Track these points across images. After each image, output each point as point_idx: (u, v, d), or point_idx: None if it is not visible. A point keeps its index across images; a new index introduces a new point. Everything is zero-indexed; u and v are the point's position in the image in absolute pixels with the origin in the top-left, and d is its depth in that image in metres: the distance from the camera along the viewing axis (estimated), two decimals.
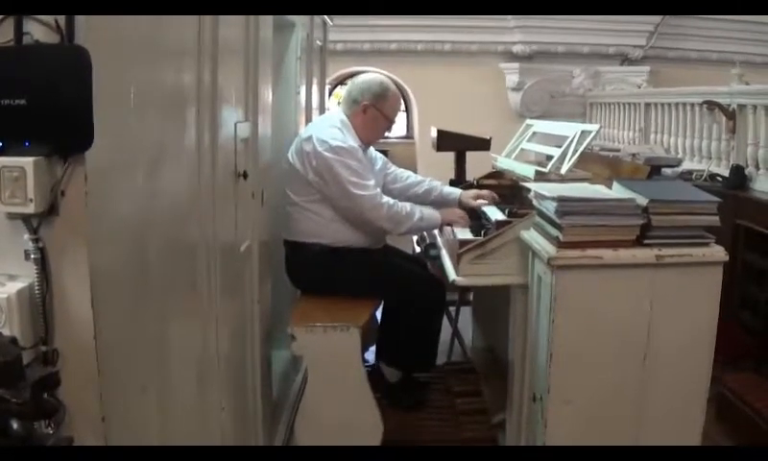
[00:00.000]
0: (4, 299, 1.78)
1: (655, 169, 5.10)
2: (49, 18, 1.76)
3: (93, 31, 1.79)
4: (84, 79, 1.74)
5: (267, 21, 3.91)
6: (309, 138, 4.55)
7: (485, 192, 5.14)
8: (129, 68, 2.06)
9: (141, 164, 2.19)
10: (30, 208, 1.75)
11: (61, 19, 1.76)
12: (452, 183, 6.77)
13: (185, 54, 2.61)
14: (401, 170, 5.28)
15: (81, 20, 1.76)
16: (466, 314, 6.35)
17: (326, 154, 4.47)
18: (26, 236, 1.81)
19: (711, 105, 6.69)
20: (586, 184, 4.13)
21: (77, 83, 1.73)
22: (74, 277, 1.83)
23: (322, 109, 6.41)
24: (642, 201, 3.59)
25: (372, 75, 5.13)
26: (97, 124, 1.76)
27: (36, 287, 1.82)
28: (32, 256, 1.81)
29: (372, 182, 4.60)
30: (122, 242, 2.07)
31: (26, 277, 1.83)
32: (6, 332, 1.76)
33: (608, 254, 3.54)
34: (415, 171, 9.89)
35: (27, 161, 1.73)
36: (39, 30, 1.77)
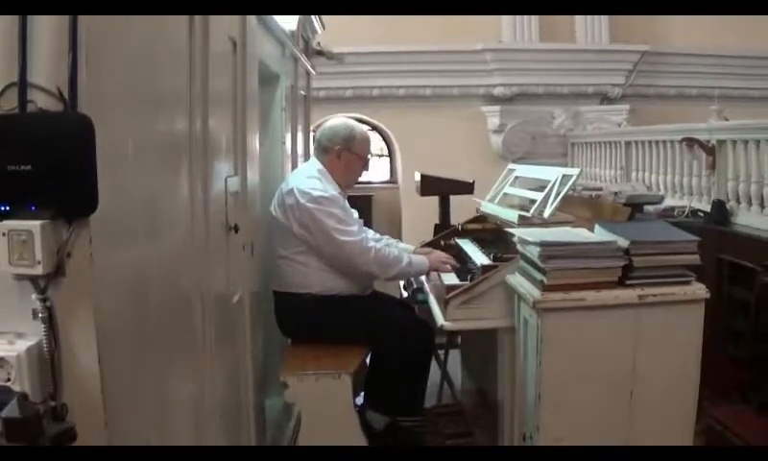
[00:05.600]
0: (14, 356, 1.83)
1: (637, 207, 5.17)
2: (52, 86, 1.82)
3: (93, 94, 1.86)
4: (88, 146, 1.80)
5: (253, 71, 3.98)
6: (291, 192, 4.61)
7: (441, 254, 5.14)
8: (127, 126, 2.14)
9: (140, 221, 2.26)
10: (38, 270, 1.81)
11: (64, 87, 1.82)
12: (437, 227, 6.87)
13: (177, 106, 2.68)
14: (364, 228, 5.30)
15: (83, 87, 1.83)
16: (454, 357, 6.38)
17: (309, 205, 4.53)
18: (33, 296, 1.86)
19: (691, 141, 6.78)
20: (568, 228, 4.21)
21: (81, 150, 1.80)
22: (80, 334, 1.89)
23: (306, 156, 6.46)
24: (624, 243, 3.68)
25: (336, 120, 5.20)
26: (100, 187, 1.84)
27: (45, 344, 1.87)
28: (39, 315, 1.86)
29: (356, 228, 4.66)
30: (125, 298, 2.13)
31: (34, 335, 1.88)
32: (16, 388, 1.81)
33: (591, 296, 3.63)
34: (399, 216, 10.06)
35: (34, 225, 1.79)
36: (42, 97, 1.83)
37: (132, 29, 2.17)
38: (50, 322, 1.88)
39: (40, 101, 1.84)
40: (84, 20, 1.82)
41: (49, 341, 1.88)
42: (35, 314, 1.88)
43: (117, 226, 2.06)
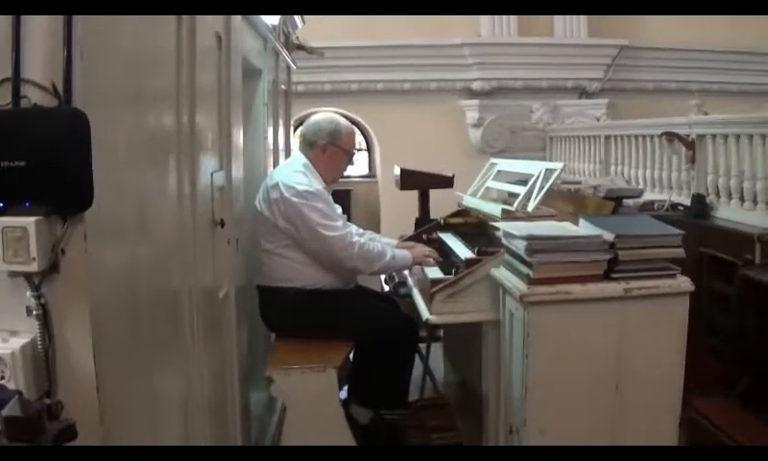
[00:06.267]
0: (8, 354, 1.83)
1: (617, 201, 5.19)
2: (46, 82, 1.82)
3: (88, 89, 1.86)
4: (83, 141, 1.80)
5: (237, 66, 3.98)
6: (276, 186, 4.61)
7: (425, 248, 5.17)
8: (120, 122, 2.15)
9: (132, 217, 2.27)
10: (33, 267, 1.80)
11: (59, 82, 1.82)
12: (417, 222, 6.87)
13: (166, 102, 2.68)
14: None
15: (77, 82, 1.83)
16: (436, 350, 6.39)
17: (294, 199, 4.53)
18: (28, 293, 1.85)
19: (670, 136, 6.81)
20: (553, 222, 4.24)
21: (76, 146, 1.79)
22: (75, 331, 1.89)
23: (288, 151, 6.46)
24: (609, 236, 3.70)
25: (321, 115, 5.20)
26: (95, 182, 1.83)
27: (39, 342, 1.86)
28: (34, 313, 1.86)
29: (340, 223, 4.67)
30: (118, 295, 2.13)
31: (28, 332, 1.87)
32: (11, 386, 1.80)
33: (577, 289, 3.65)
34: (378, 210, 10.06)
35: (29, 221, 1.79)
36: (37, 93, 1.83)
37: (124, 26, 2.16)
38: (44, 319, 1.87)
39: (35, 96, 1.83)
40: (78, 17, 1.81)
41: (44, 338, 1.87)
42: (29, 311, 1.87)
43: (111, 222, 2.06)
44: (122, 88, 2.17)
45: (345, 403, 4.82)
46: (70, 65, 1.81)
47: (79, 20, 1.82)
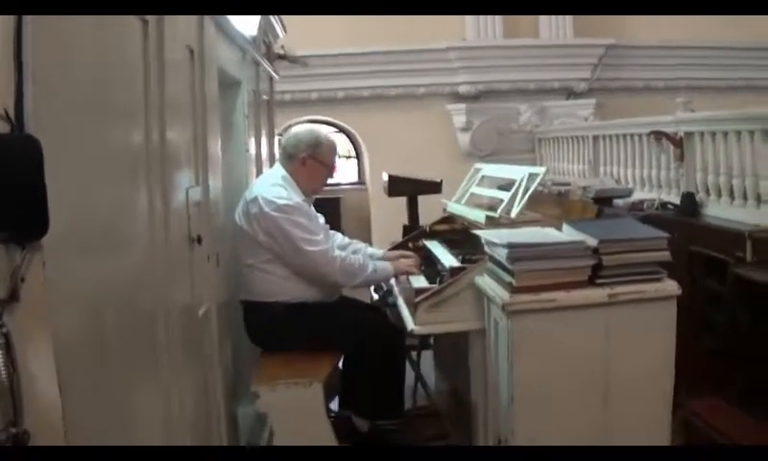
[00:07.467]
0: None
1: (606, 200, 5.16)
2: None
3: (41, 113, 1.82)
4: (37, 168, 1.74)
5: (213, 79, 3.94)
6: (255, 200, 4.57)
7: (409, 254, 5.21)
8: (79, 143, 2.10)
9: (97, 239, 2.22)
10: None
11: (10, 107, 1.77)
12: (406, 229, 6.84)
13: (133, 118, 2.64)
14: (332, 232, 5.30)
15: (29, 107, 1.78)
16: (427, 357, 6.36)
17: (274, 214, 4.50)
18: None
19: (658, 134, 6.78)
20: (536, 228, 4.20)
21: (30, 172, 1.73)
22: (39, 359, 1.84)
23: (272, 162, 6.42)
24: (592, 242, 3.67)
25: (303, 127, 5.21)
26: (51, 208, 1.78)
27: (3, 372, 1.82)
28: None
29: (321, 237, 4.65)
30: (83, 319, 2.09)
31: None
32: None
33: (561, 296, 3.61)
34: (368, 218, 10.05)
35: None
36: None
37: (83, 42, 2.13)
38: (7, 348, 1.82)
39: None
40: (29, 40, 1.77)
41: (7, 367, 1.82)
42: None
43: (73, 246, 2.01)
44: (83, 107, 2.13)
45: (337, 415, 4.82)
46: (21, 90, 1.76)
47: (30, 42, 1.78)
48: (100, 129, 2.29)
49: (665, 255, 3.75)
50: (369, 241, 6.11)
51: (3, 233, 1.77)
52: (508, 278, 3.68)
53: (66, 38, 2.02)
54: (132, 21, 2.63)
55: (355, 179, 11.34)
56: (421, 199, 7.36)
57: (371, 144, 10.71)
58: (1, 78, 1.77)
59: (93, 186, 2.18)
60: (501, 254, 3.74)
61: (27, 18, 1.78)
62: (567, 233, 3.89)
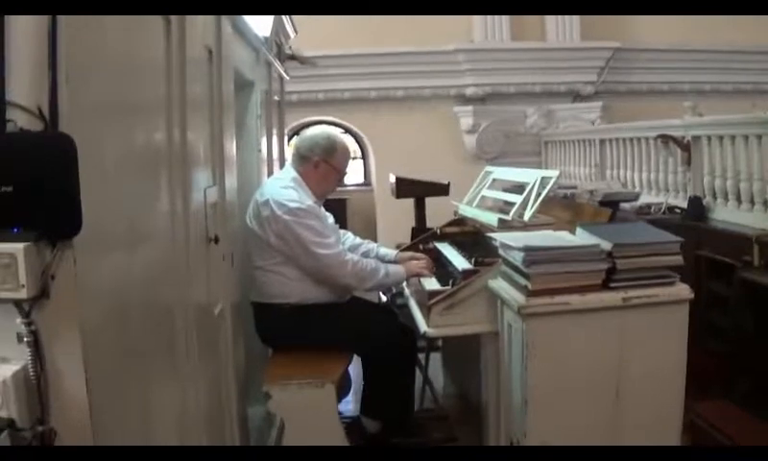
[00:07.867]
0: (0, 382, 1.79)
1: (613, 204, 5.16)
2: (32, 105, 1.78)
3: (74, 111, 1.83)
4: (70, 165, 1.76)
5: (229, 79, 3.95)
6: (266, 203, 4.55)
7: (421, 256, 5.19)
8: (108, 142, 2.11)
9: (123, 237, 2.23)
10: (22, 294, 1.76)
11: (44, 105, 1.78)
12: (414, 231, 6.84)
13: (156, 118, 2.65)
14: (342, 231, 5.29)
15: (63, 105, 1.79)
16: (435, 360, 6.36)
17: (286, 217, 4.48)
18: (18, 320, 1.81)
19: (666, 138, 6.79)
20: (549, 232, 4.20)
21: (63, 170, 1.75)
22: (67, 356, 1.85)
23: (282, 162, 6.42)
24: (607, 245, 3.67)
25: (318, 129, 5.19)
26: (84, 205, 1.80)
27: (31, 369, 1.82)
28: (25, 339, 1.81)
29: (333, 240, 4.64)
30: (110, 317, 2.10)
31: (19, 359, 1.83)
32: (3, 414, 1.77)
33: (576, 300, 3.62)
34: (374, 219, 10.04)
35: (18, 248, 1.74)
36: (23, 117, 1.78)
37: (111, 43, 2.14)
38: (35, 345, 1.83)
39: (20, 120, 1.79)
40: (62, 38, 1.79)
41: (35, 365, 1.83)
42: (19, 338, 1.83)
43: (101, 244, 2.02)
44: (110, 106, 2.14)
45: (355, 415, 4.88)
46: (55, 87, 1.77)
47: (64, 40, 1.79)
48: (126, 128, 2.30)
49: (678, 260, 3.75)
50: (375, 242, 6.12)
51: (35, 232, 1.78)
52: (523, 281, 3.69)
53: (96, 38, 2.03)
54: (156, 21, 2.64)
55: (361, 180, 11.35)
56: (428, 201, 7.35)
57: (377, 145, 10.72)
58: (36, 77, 1.78)
59: (119, 184, 2.19)
60: (516, 258, 3.75)
61: (61, 18, 1.79)
62: (581, 237, 3.89)
